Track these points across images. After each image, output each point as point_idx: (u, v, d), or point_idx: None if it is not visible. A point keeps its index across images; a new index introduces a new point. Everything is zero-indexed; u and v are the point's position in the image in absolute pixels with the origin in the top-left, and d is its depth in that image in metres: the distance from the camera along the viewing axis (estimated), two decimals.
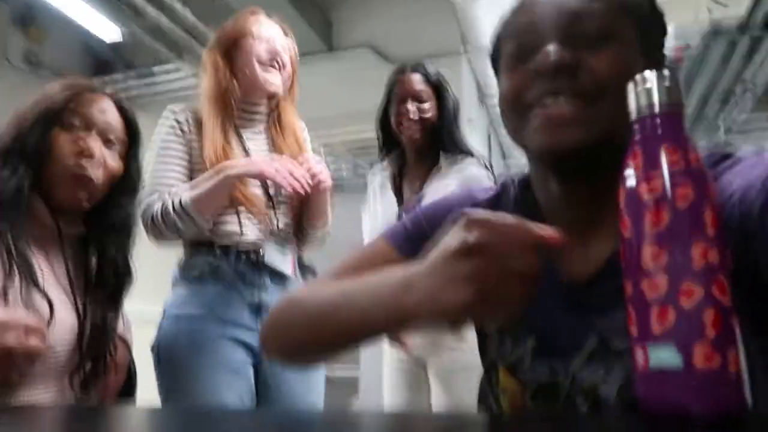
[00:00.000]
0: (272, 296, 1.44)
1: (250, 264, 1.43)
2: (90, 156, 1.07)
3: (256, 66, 1.48)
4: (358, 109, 3.84)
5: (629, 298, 0.47)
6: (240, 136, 1.51)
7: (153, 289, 1.63)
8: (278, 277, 1.47)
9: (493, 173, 1.92)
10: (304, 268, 1.57)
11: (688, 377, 0.43)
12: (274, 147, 1.55)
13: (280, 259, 1.48)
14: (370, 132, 2.09)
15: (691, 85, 3.87)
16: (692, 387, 0.43)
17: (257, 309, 1.41)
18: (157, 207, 1.36)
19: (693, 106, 4.15)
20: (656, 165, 0.47)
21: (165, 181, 1.41)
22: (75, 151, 1.07)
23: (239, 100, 1.51)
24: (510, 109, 0.66)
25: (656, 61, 0.66)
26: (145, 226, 1.37)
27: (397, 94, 1.93)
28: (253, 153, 1.50)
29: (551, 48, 0.61)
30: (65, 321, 1.04)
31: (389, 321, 0.56)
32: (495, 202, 0.76)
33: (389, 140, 2.00)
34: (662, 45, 0.69)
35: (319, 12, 4.13)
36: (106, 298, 1.13)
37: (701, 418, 0.43)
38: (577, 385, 0.63)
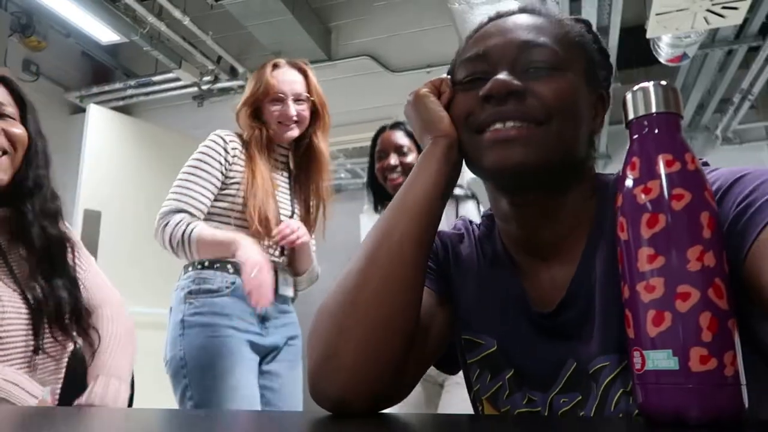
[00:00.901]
0: (275, 309, 1.68)
1: None
2: None
3: (277, 127, 1.72)
4: (357, 116, 3.85)
5: (626, 301, 0.48)
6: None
7: (156, 293, 1.70)
8: (282, 298, 1.71)
9: (478, 202, 2.00)
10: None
11: (684, 380, 0.43)
12: (296, 186, 1.79)
13: (285, 285, 1.72)
14: (368, 138, 2.17)
15: (688, 93, 3.89)
16: (688, 390, 0.43)
17: (263, 319, 1.66)
18: (176, 224, 1.56)
19: (690, 114, 4.16)
20: (653, 168, 0.47)
21: (195, 203, 1.61)
22: None
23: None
24: (459, 128, 0.68)
25: (600, 96, 0.70)
26: (157, 230, 1.59)
27: (380, 150, 2.02)
28: (279, 199, 1.73)
29: (501, 76, 0.63)
30: (10, 306, 1.06)
31: (445, 158, 0.67)
32: (460, 238, 0.79)
33: (380, 196, 2.09)
34: (608, 82, 0.73)
35: (318, 20, 4.15)
36: (47, 267, 1.13)
37: (698, 421, 0.43)
38: (554, 412, 0.64)
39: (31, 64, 4.14)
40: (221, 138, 1.67)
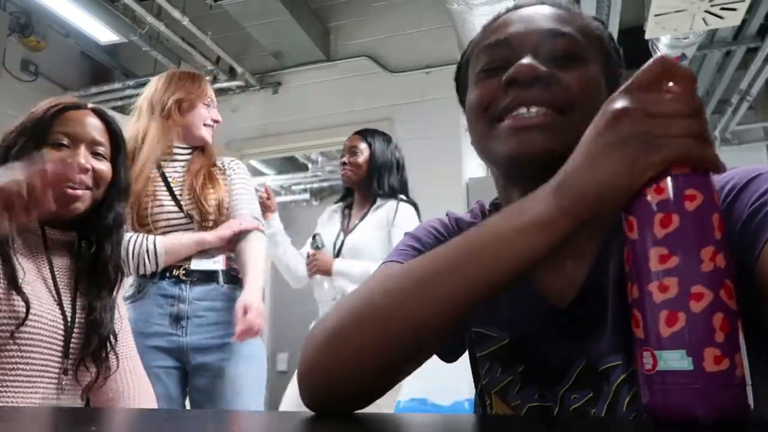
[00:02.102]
0: (194, 305, 1.68)
1: (173, 279, 1.68)
2: (83, 171, 1.12)
3: (204, 128, 1.87)
4: (357, 116, 3.85)
5: (634, 301, 0.47)
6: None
7: None
8: (206, 277, 1.71)
9: (417, 209, 2.26)
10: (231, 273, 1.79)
11: (698, 381, 0.43)
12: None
13: (210, 262, 1.72)
14: None
15: None
16: (701, 390, 0.43)
17: (177, 318, 1.67)
18: (130, 240, 1.62)
19: None
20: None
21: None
22: None
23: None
24: (477, 119, 0.67)
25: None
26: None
27: (343, 150, 2.39)
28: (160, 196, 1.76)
29: (527, 60, 0.62)
30: (48, 319, 1.07)
31: (538, 245, 0.50)
32: (472, 224, 0.77)
33: (347, 192, 2.45)
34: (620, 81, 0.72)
35: (317, 20, 4.14)
36: (100, 294, 1.16)
37: (707, 422, 0.43)
38: (565, 408, 0.63)
39: (30, 64, 4.13)
40: None
